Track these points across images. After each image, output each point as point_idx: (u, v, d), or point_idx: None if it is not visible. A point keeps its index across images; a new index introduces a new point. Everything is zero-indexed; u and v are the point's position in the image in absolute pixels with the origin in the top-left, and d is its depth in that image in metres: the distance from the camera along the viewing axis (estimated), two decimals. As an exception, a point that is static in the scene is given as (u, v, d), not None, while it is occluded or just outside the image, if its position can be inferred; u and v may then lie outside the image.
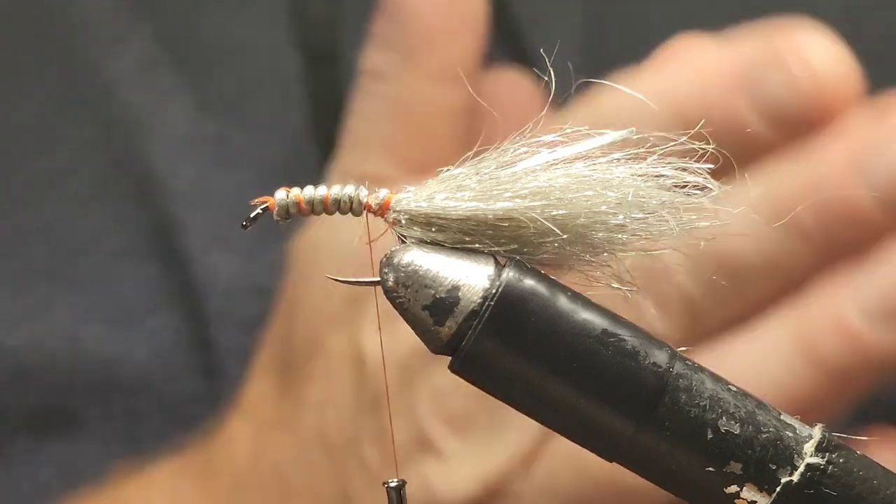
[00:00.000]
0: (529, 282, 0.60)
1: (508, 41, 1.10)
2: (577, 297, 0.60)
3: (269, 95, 1.13)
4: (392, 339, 0.94)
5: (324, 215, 0.63)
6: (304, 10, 1.12)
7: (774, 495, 0.59)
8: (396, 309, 0.61)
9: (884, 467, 0.60)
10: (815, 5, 1.13)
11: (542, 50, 0.66)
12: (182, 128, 1.13)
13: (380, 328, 0.68)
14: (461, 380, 0.92)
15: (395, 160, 0.99)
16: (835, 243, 0.85)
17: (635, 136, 0.62)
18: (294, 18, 1.12)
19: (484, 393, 0.90)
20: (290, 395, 1.00)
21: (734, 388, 0.60)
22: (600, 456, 0.61)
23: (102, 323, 1.12)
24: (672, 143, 0.61)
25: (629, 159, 0.62)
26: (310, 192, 0.63)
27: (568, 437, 0.61)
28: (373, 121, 1.01)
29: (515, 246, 0.61)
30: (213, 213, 1.12)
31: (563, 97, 0.66)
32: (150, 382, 1.11)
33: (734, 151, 0.80)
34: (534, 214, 0.61)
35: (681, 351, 0.60)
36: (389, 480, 0.65)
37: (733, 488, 0.59)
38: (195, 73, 1.14)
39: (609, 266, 0.62)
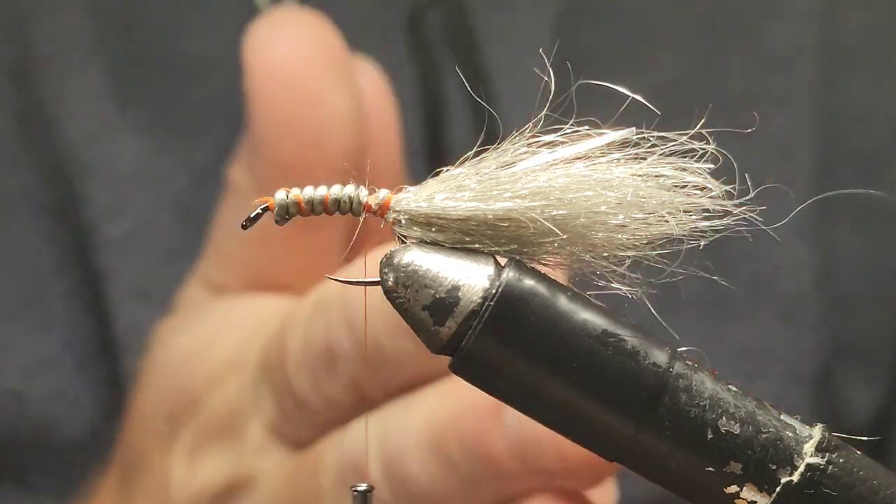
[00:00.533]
0: (529, 282, 0.60)
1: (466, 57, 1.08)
2: (577, 297, 0.60)
3: (221, 133, 1.08)
4: (190, 472, 0.92)
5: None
6: None
7: (774, 495, 0.59)
8: (396, 309, 0.61)
9: (884, 467, 0.60)
10: (792, 4, 1.12)
11: (540, 50, 0.65)
12: (126, 170, 1.08)
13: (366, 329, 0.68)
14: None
15: (244, 277, 0.95)
16: (477, 479, 0.80)
17: (635, 136, 0.62)
18: None
19: None
20: (125, 496, 0.98)
21: (734, 388, 0.60)
22: (600, 456, 0.61)
23: (42, 375, 1.08)
24: (672, 143, 0.62)
25: (629, 159, 0.62)
26: (309, 192, 0.63)
27: (568, 437, 0.61)
28: (228, 236, 0.96)
29: (515, 246, 0.61)
30: (142, 266, 1.08)
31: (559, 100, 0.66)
32: (88, 439, 1.08)
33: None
34: (534, 214, 0.61)
35: (681, 351, 0.60)
36: (357, 484, 0.65)
37: (733, 488, 0.59)
38: (148, 107, 1.09)
39: (609, 266, 0.62)
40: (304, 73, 0.89)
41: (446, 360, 0.79)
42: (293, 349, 0.84)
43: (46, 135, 1.09)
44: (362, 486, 0.65)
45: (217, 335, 0.94)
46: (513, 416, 0.79)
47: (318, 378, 0.83)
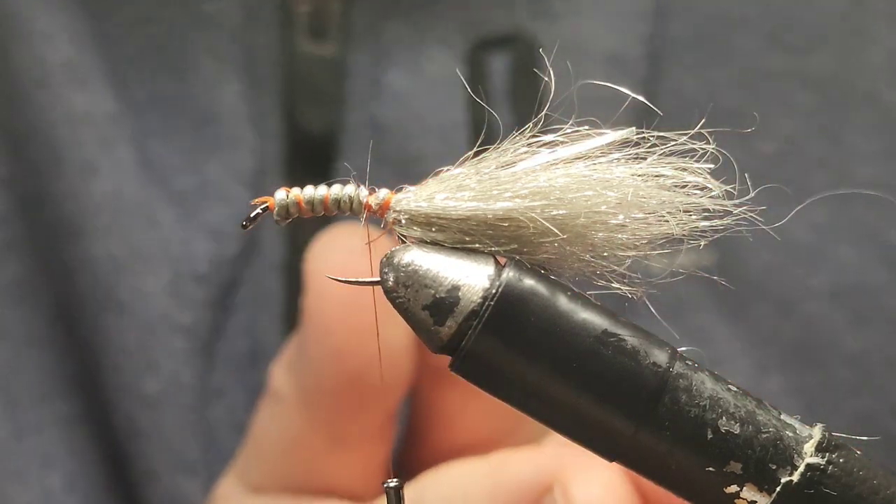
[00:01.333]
0: (529, 282, 0.60)
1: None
2: (577, 296, 0.60)
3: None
4: None
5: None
6: (301, 124, 1.01)
7: (774, 495, 0.59)
8: (396, 309, 0.61)
9: (884, 467, 0.60)
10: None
11: (540, 49, 0.65)
12: (160, 304, 0.99)
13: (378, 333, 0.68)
14: None
15: (283, 480, 0.91)
16: None
17: (635, 136, 0.62)
18: (288, 135, 1.01)
19: None
20: None
21: (734, 388, 0.60)
22: (600, 456, 0.61)
23: None
24: (672, 143, 0.62)
25: (629, 159, 0.62)
26: (310, 191, 0.63)
27: (568, 437, 0.61)
28: (267, 438, 0.91)
29: (515, 246, 0.61)
30: (171, 427, 1.00)
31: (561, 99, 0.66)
32: None
33: None
34: (534, 214, 0.61)
35: (681, 351, 0.60)
36: (389, 480, 0.65)
37: (733, 488, 0.59)
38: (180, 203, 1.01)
39: (609, 266, 0.62)
40: (364, 302, 0.83)
41: None
42: None
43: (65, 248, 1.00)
44: (393, 482, 0.65)
45: None
46: None
47: None
